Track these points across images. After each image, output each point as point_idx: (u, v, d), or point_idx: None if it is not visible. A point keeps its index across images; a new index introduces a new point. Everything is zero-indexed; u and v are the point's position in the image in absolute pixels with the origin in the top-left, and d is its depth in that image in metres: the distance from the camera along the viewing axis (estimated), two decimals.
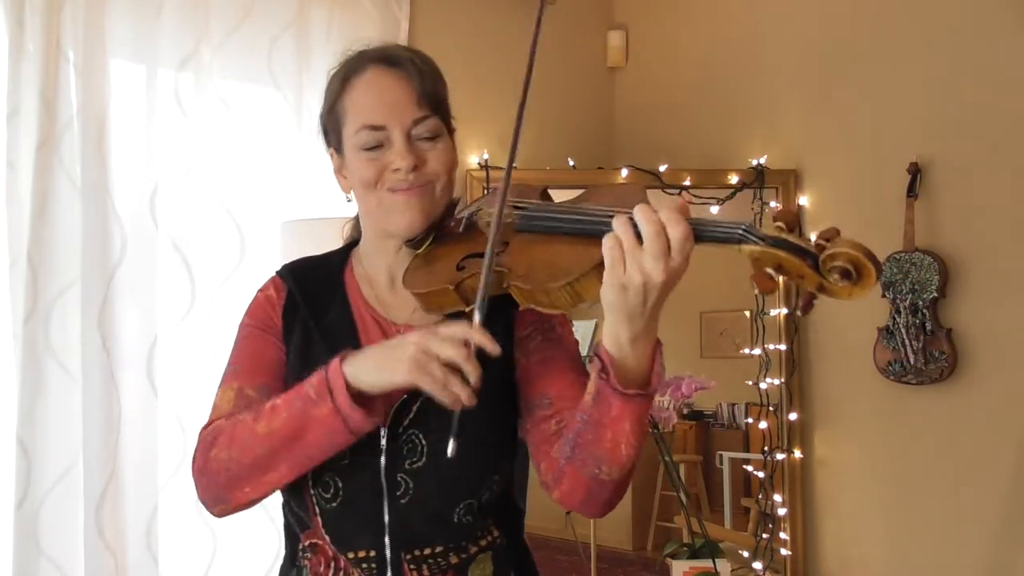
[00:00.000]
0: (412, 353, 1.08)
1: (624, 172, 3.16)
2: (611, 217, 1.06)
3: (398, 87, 1.25)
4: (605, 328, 1.08)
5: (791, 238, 0.98)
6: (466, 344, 1.07)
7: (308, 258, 1.41)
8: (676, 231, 1.01)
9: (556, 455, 1.19)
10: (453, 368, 1.07)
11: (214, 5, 2.54)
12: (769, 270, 1.00)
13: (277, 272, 1.37)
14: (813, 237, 0.99)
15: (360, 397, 1.12)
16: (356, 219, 1.44)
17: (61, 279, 2.25)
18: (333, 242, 1.47)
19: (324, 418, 1.12)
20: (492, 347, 1.07)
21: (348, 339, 1.28)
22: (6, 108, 2.20)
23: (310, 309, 1.30)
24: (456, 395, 1.07)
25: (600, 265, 1.06)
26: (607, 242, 1.03)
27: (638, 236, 1.02)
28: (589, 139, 3.50)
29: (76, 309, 2.26)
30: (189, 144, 2.49)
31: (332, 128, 1.31)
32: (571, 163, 3.17)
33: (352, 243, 1.42)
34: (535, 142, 3.01)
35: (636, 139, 3.56)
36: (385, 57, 1.28)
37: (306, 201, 2.63)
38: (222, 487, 1.20)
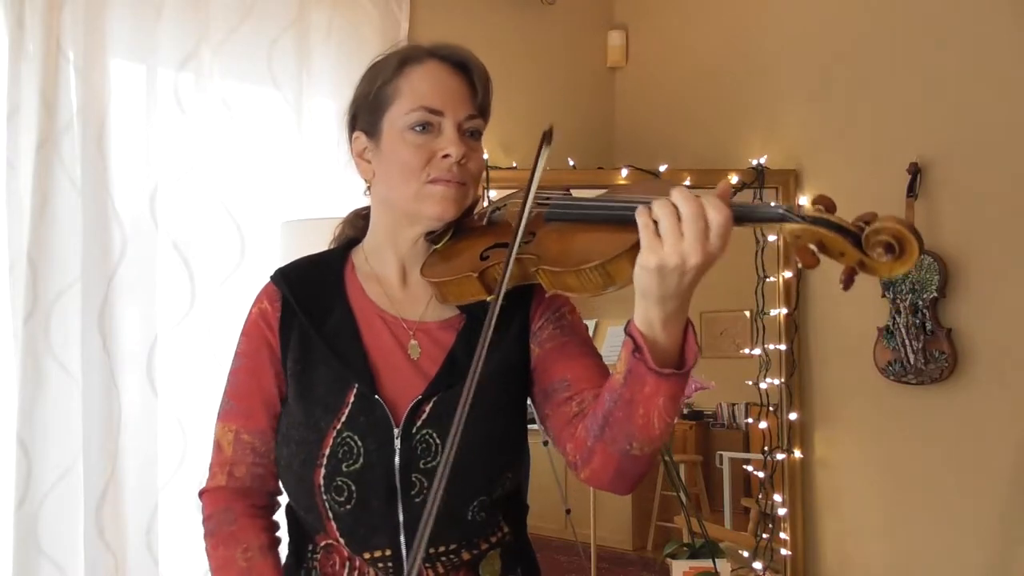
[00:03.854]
0: None
1: (624, 172, 3.16)
2: (646, 202, 1.05)
3: (457, 83, 1.29)
4: (636, 310, 1.07)
5: (831, 217, 0.99)
6: None
7: (303, 260, 1.40)
8: (717, 216, 1.00)
9: (583, 435, 1.19)
10: None
11: (214, 5, 2.54)
12: (811, 246, 1.00)
13: (271, 278, 1.35)
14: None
15: None
16: (352, 217, 1.44)
17: (61, 279, 2.25)
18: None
19: None
20: None
21: (351, 342, 1.27)
22: (6, 108, 2.19)
23: (309, 316, 1.29)
24: None
25: (633, 248, 1.05)
26: (642, 219, 1.02)
27: (678, 219, 1.01)
28: (589, 139, 3.50)
29: (76, 309, 2.26)
30: (189, 144, 2.48)
31: (369, 110, 1.31)
32: (571, 163, 3.17)
33: (349, 242, 1.41)
34: (535, 142, 3.00)
35: (636, 139, 3.56)
36: (447, 55, 1.30)
37: (306, 201, 2.64)
38: None
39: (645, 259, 1.02)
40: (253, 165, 2.61)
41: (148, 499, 2.37)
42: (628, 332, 1.09)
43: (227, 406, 1.32)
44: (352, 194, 2.79)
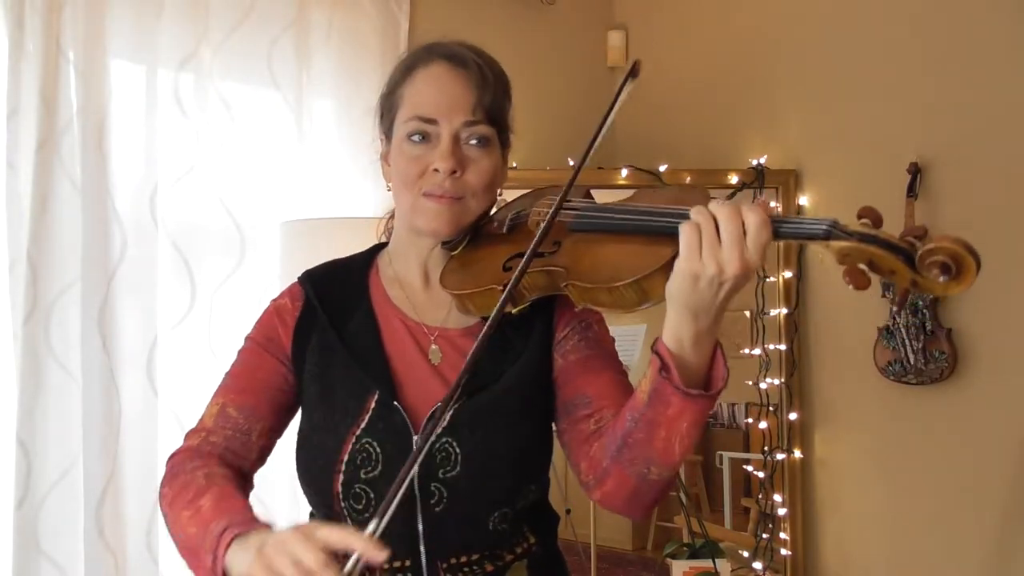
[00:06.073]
0: (265, 552, 0.97)
1: (624, 172, 3.16)
2: (679, 214, 1.03)
3: (458, 87, 1.24)
4: (667, 325, 1.05)
5: (882, 234, 0.94)
6: (331, 554, 0.93)
7: (331, 263, 1.38)
8: (754, 217, 0.98)
9: (599, 455, 1.16)
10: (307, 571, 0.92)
11: (214, 5, 2.54)
12: (862, 266, 0.96)
13: (298, 278, 1.34)
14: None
15: None
16: (392, 215, 1.42)
17: (61, 279, 2.25)
18: (333, 242, 1.46)
19: (205, 566, 1.08)
20: (377, 556, 0.93)
21: (372, 346, 1.25)
22: (6, 108, 2.19)
23: (330, 316, 1.27)
24: None
25: (669, 263, 1.02)
26: (685, 228, 0.99)
27: (715, 225, 0.99)
28: (589, 139, 3.50)
29: (76, 309, 2.26)
30: (189, 144, 2.48)
31: (386, 112, 1.30)
32: (571, 163, 3.17)
33: (378, 246, 1.39)
34: (535, 142, 3.01)
35: (636, 139, 3.56)
36: (453, 55, 1.26)
37: (306, 201, 2.64)
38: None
39: (682, 267, 1.00)
40: (253, 165, 2.61)
41: (148, 499, 2.37)
42: (655, 350, 1.06)
43: (223, 381, 1.31)
44: (352, 195, 2.80)
